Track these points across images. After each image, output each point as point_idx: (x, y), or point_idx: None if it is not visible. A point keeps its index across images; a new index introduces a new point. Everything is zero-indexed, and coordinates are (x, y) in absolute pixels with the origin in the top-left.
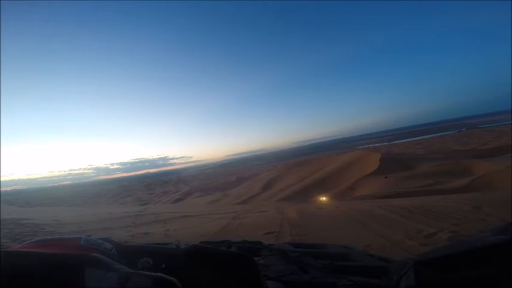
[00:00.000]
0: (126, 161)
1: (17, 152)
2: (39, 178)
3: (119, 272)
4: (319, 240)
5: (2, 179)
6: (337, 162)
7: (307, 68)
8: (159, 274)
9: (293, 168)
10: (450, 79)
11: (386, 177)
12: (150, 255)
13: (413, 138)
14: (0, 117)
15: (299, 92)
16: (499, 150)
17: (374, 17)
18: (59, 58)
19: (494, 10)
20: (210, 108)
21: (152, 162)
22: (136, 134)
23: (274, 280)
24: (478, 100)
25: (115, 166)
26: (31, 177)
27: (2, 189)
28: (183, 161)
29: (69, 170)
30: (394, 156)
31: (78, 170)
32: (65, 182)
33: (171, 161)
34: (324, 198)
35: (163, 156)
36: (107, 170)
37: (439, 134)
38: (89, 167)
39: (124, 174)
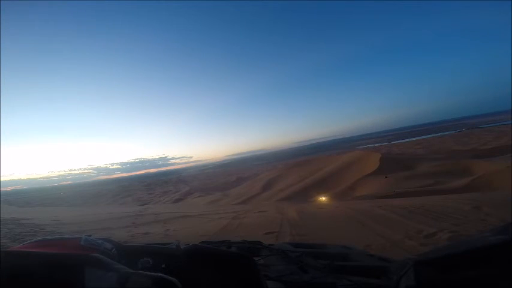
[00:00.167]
0: (126, 161)
1: (17, 152)
2: (39, 178)
3: (119, 272)
4: (319, 240)
5: (2, 179)
6: (337, 162)
7: (307, 68)
8: (159, 274)
9: (293, 168)
10: (450, 79)
11: (386, 177)
12: (150, 255)
13: (413, 138)
14: (0, 117)
15: (299, 92)
16: (499, 150)
17: (374, 17)
18: (59, 58)
19: (494, 10)
20: (210, 108)
21: (152, 162)
22: (136, 134)
23: (274, 280)
24: (478, 100)
25: (115, 166)
26: (31, 177)
27: (2, 189)
28: (183, 161)
29: (69, 170)
30: (394, 156)
31: (78, 170)
32: (65, 182)
33: (171, 161)
34: (324, 198)
35: (163, 156)
36: (107, 170)
37: (439, 134)
38: (89, 167)
39: (124, 174)
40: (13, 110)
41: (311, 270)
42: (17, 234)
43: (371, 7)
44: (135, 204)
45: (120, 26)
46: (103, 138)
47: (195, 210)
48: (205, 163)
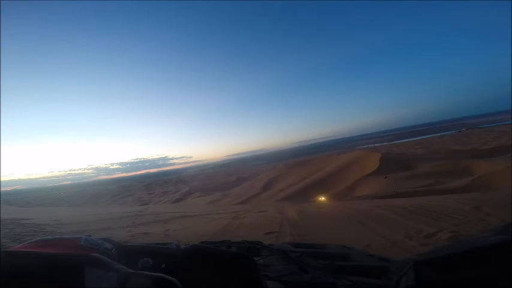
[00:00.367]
0: (126, 161)
1: (17, 152)
2: (39, 178)
3: (119, 272)
4: (319, 240)
5: (2, 179)
6: (337, 162)
7: (307, 68)
8: (159, 274)
9: (293, 168)
10: (450, 79)
11: (386, 177)
12: (150, 255)
13: (413, 138)
14: (0, 117)
15: (299, 92)
16: (499, 150)
17: (374, 17)
18: (59, 58)
19: (494, 10)
20: (210, 108)
21: (152, 162)
22: (136, 134)
23: (274, 280)
24: (478, 100)
25: (115, 166)
26: (31, 177)
27: (2, 189)
28: (183, 161)
29: (69, 170)
30: (394, 156)
31: (78, 170)
32: (65, 182)
33: (171, 161)
34: (324, 198)
35: (163, 156)
36: (107, 170)
37: (439, 134)
38: (89, 167)
39: (124, 174)
40: (13, 110)
41: (311, 270)
42: (17, 234)
43: (371, 7)
44: (135, 204)
45: (120, 26)
46: (103, 138)
47: (195, 210)
48: (205, 163)
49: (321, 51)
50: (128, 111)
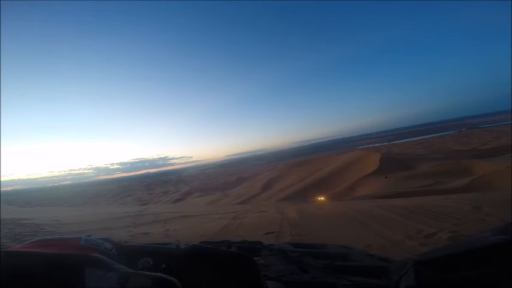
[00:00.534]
0: (126, 161)
1: (17, 152)
2: (39, 178)
3: (119, 272)
4: (319, 240)
5: (2, 179)
6: (337, 162)
7: (307, 68)
8: (159, 274)
9: (293, 168)
10: (450, 79)
11: (386, 177)
12: (150, 255)
13: (413, 138)
14: (0, 117)
15: (299, 92)
16: (499, 150)
17: (374, 17)
18: (59, 58)
19: (494, 10)
20: (210, 108)
21: (152, 162)
22: (136, 134)
23: (274, 280)
24: (478, 100)
25: (115, 166)
26: (31, 177)
27: (2, 189)
28: (183, 161)
29: (69, 170)
30: (394, 156)
31: (78, 170)
32: (65, 182)
33: (171, 161)
34: (324, 198)
35: (163, 156)
36: (107, 170)
37: (439, 134)
38: (89, 167)
39: (124, 174)
40: (13, 110)
41: (311, 270)
42: (17, 234)
43: (371, 7)
44: (135, 204)
45: (120, 26)
46: (103, 138)
47: (195, 210)
48: (205, 163)
49: (321, 51)
50: (127, 111)
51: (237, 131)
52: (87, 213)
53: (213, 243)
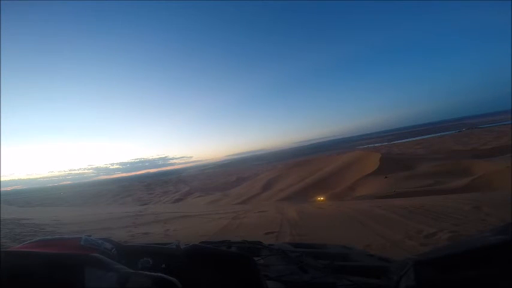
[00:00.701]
0: (126, 161)
1: (17, 152)
2: (39, 178)
3: (119, 272)
4: (319, 240)
5: (2, 179)
6: (337, 162)
7: (307, 68)
8: (159, 274)
9: (293, 168)
10: (450, 79)
11: (386, 177)
12: (150, 255)
13: (413, 138)
14: (0, 117)
15: (299, 92)
16: (499, 150)
17: (374, 17)
18: (59, 58)
19: (494, 10)
20: (210, 108)
21: (152, 162)
22: (136, 134)
23: (274, 280)
24: (478, 100)
25: (115, 166)
26: (31, 177)
27: (2, 189)
28: (183, 161)
29: (69, 170)
30: (394, 156)
31: (78, 170)
32: (65, 182)
33: (171, 161)
34: (324, 198)
35: (163, 156)
36: (107, 170)
37: (439, 134)
38: (89, 167)
39: (124, 174)
40: (13, 110)
41: (311, 270)
42: (17, 234)
43: (371, 7)
44: (135, 204)
45: (120, 26)
46: (103, 138)
47: (195, 210)
48: (205, 163)
49: (321, 51)
50: (127, 111)
51: (237, 131)
52: (87, 213)
53: (213, 243)
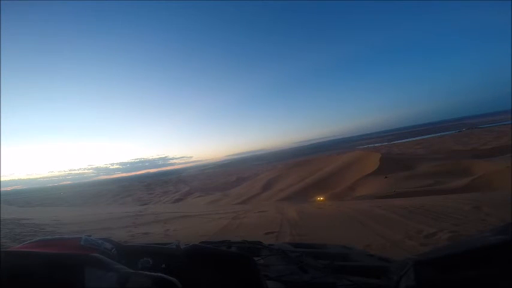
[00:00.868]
0: (126, 161)
1: (17, 152)
2: (39, 178)
3: (119, 272)
4: (319, 240)
5: (2, 179)
6: (337, 162)
7: (307, 68)
8: (159, 274)
9: (293, 168)
10: (450, 79)
11: (386, 177)
12: (150, 255)
13: (413, 138)
14: (0, 117)
15: (299, 92)
16: (499, 150)
17: (374, 17)
18: (59, 58)
19: (494, 10)
20: (210, 108)
21: (152, 162)
22: (136, 134)
23: (274, 280)
24: (478, 100)
25: (115, 166)
26: (31, 177)
27: (2, 189)
28: (183, 161)
29: (69, 170)
30: (394, 156)
31: (78, 170)
32: (65, 182)
33: (171, 161)
34: (324, 198)
35: (163, 156)
36: (107, 170)
37: (439, 134)
38: (89, 167)
39: (124, 174)
40: (13, 110)
41: (311, 270)
42: (17, 234)
43: (371, 7)
44: (135, 204)
45: (120, 26)
46: (103, 138)
47: (195, 210)
48: (205, 163)
49: (321, 51)
50: (127, 111)
51: (237, 131)
52: (87, 213)
53: (213, 243)
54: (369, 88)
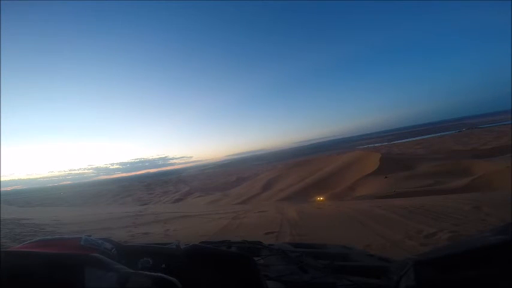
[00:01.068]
0: (126, 161)
1: (17, 152)
2: (39, 178)
3: (119, 272)
4: (319, 240)
5: (2, 179)
6: (337, 162)
7: (307, 68)
8: (159, 274)
9: (293, 168)
10: (450, 79)
11: (386, 177)
12: (150, 255)
13: (413, 138)
14: (0, 117)
15: (299, 92)
16: (499, 150)
17: (374, 17)
18: (59, 58)
19: (494, 10)
20: (210, 108)
21: (152, 162)
22: (136, 134)
23: (274, 280)
24: (478, 100)
25: (115, 166)
26: (31, 177)
27: (2, 189)
28: (183, 161)
29: (69, 170)
30: (394, 156)
31: (78, 170)
32: (65, 182)
33: (171, 161)
34: (324, 198)
35: (163, 156)
36: (107, 170)
37: (439, 134)
38: (89, 167)
39: (124, 174)
40: (13, 110)
41: (311, 270)
42: (17, 234)
43: (371, 7)
44: (135, 204)
45: (120, 26)
46: (103, 138)
47: (195, 210)
48: (205, 163)
49: (321, 51)
50: (127, 111)
51: (237, 131)
52: (87, 213)
53: (213, 243)
54: (369, 88)
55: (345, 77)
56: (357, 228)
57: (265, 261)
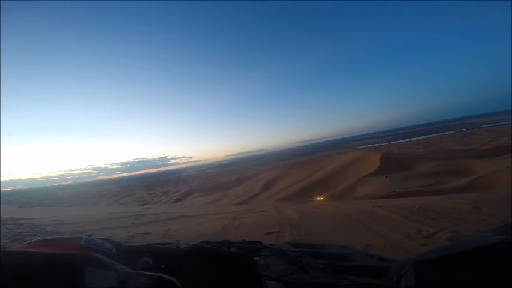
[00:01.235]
0: (126, 161)
1: (17, 152)
2: (39, 178)
3: (118, 272)
4: (319, 240)
5: (2, 179)
6: (337, 162)
7: (307, 68)
8: (159, 274)
9: (293, 168)
10: (450, 79)
11: (386, 177)
12: (150, 255)
13: (413, 138)
14: (0, 117)
15: (299, 92)
16: (499, 150)
17: (374, 17)
18: (59, 58)
19: (494, 10)
20: (210, 108)
21: (152, 162)
22: (136, 134)
23: (274, 280)
24: (478, 100)
25: (115, 166)
26: (31, 177)
27: (2, 189)
28: (183, 161)
29: (69, 170)
30: (394, 156)
31: (78, 170)
32: (65, 182)
33: (171, 161)
34: (323, 198)
35: (163, 156)
36: (106, 170)
37: (439, 134)
38: (89, 167)
39: (124, 174)
40: (13, 110)
41: (311, 270)
42: (17, 234)
43: (371, 7)
44: (135, 204)
45: (120, 26)
46: (103, 138)
47: (195, 210)
48: (205, 163)
49: (321, 51)
50: (128, 111)
51: (237, 131)
52: (87, 213)
53: (213, 243)
54: (369, 88)
55: (345, 77)
56: (357, 228)
57: (265, 261)
